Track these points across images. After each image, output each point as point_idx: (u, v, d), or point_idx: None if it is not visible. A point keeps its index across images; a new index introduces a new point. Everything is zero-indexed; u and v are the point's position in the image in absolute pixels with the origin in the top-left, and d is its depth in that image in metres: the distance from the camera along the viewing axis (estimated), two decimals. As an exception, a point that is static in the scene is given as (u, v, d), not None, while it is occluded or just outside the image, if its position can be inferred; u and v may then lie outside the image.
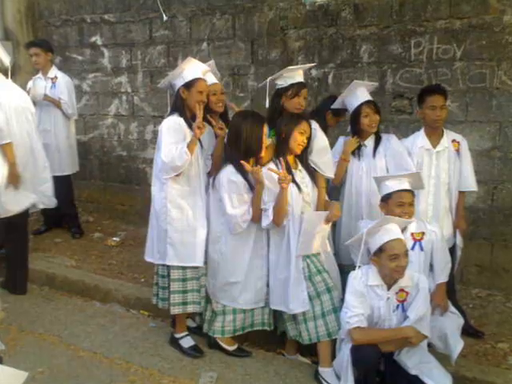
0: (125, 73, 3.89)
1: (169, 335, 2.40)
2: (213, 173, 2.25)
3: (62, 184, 3.28)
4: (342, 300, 2.05)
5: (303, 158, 2.20)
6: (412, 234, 2.12)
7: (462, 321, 2.15)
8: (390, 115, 3.01)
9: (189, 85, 2.15)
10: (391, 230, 1.95)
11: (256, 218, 2.13)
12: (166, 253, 2.19)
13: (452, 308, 2.17)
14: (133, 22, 3.78)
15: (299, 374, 2.16)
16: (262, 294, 2.23)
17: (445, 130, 2.38)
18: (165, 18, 3.52)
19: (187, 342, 2.31)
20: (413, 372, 1.93)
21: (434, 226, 2.17)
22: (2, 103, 2.65)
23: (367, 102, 2.34)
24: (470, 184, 2.39)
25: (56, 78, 3.43)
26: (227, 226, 2.17)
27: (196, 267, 2.21)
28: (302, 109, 2.21)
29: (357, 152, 2.40)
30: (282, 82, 2.23)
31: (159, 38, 3.70)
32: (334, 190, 2.46)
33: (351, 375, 1.93)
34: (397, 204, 2.08)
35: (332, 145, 2.39)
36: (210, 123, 2.24)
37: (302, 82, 2.23)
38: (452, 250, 2.33)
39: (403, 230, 2.05)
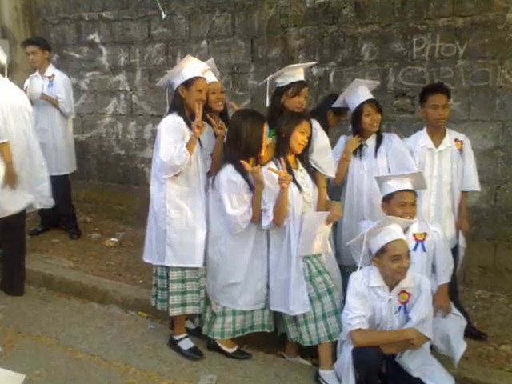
0: (123, 71, 3.86)
1: (168, 337, 2.38)
2: (212, 173, 2.23)
3: (59, 184, 3.26)
4: (343, 301, 2.03)
5: (304, 157, 2.18)
6: (414, 235, 2.10)
7: (464, 322, 2.14)
8: (392, 114, 2.99)
9: (188, 83, 2.13)
10: (393, 231, 1.94)
11: (256, 219, 2.12)
12: (165, 254, 2.17)
13: (455, 310, 2.15)
14: (131, 19, 3.76)
15: (300, 376, 2.14)
16: (262, 296, 2.21)
17: (447, 130, 2.37)
18: (163, 15, 3.49)
19: (186, 343, 2.30)
20: (415, 374, 1.91)
21: (436, 227, 2.15)
22: (-2, 102, 2.64)
23: (369, 101, 2.33)
24: (473, 184, 2.37)
25: (53, 76, 3.40)
26: (227, 227, 2.15)
27: (195, 268, 2.19)
28: (302, 108, 2.19)
29: (358, 151, 2.38)
30: (282, 81, 2.21)
31: (158, 36, 3.68)
32: (334, 189, 2.44)
33: (352, 377, 1.91)
34: (399, 204, 2.07)
35: (333, 144, 2.38)
36: (209, 122, 2.22)
37: (302, 81, 2.22)
38: (454, 251, 2.31)
39: (405, 230, 2.04)
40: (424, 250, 2.10)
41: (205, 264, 2.23)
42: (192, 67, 2.15)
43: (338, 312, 2.06)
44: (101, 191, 4.11)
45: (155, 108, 3.76)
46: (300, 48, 3.19)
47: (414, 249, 2.08)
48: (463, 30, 2.77)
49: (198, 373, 2.15)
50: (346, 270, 2.23)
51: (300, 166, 2.17)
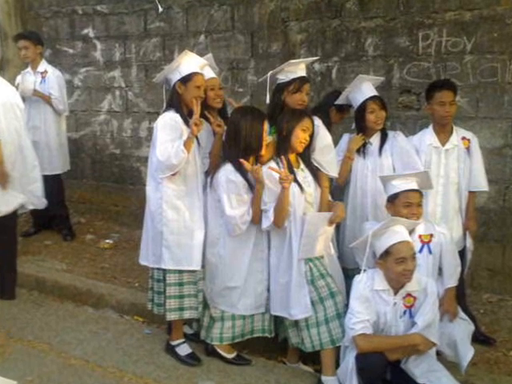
0: (118, 67, 3.82)
1: (164, 342, 2.35)
2: (211, 172, 2.19)
3: (52, 184, 3.23)
4: (347, 305, 2.00)
5: (305, 156, 2.15)
6: (420, 236, 2.07)
7: (472, 327, 2.11)
8: (397, 111, 2.96)
9: (185, 79, 2.10)
10: (398, 232, 1.91)
11: (256, 220, 2.09)
12: (162, 256, 2.13)
13: (462, 314, 2.12)
14: (126, 13, 3.72)
15: (301, 383, 2.11)
16: (262, 299, 2.18)
17: (454, 127, 2.34)
18: (160, 9, 3.47)
19: (184, 349, 2.26)
20: (420, 381, 1.88)
21: (442, 228, 2.12)
22: (-11, 99, 2.61)
23: (373, 98, 2.29)
24: (481, 184, 2.34)
25: (46, 72, 3.35)
26: (226, 228, 2.12)
27: (193, 271, 2.16)
28: (304, 105, 2.16)
29: (362, 150, 2.35)
30: (283, 77, 2.17)
31: (154, 31, 3.64)
32: (337, 189, 2.41)
33: (356, 384, 1.87)
34: (404, 205, 2.04)
35: (336, 142, 2.35)
36: (207, 120, 2.20)
37: (304, 77, 2.18)
38: (462, 253, 2.28)
39: (410, 231, 2.01)
40: (430, 251, 2.07)
41: (203, 267, 2.19)
42: (190, 63, 2.12)
43: (341, 316, 2.04)
44: (95, 191, 4.07)
45: (151, 105, 3.72)
46: (302, 43, 3.16)
47: (420, 251, 2.05)
48: (471, 24, 2.74)
49: (196, 379, 2.11)
50: (350, 273, 2.20)
51: (301, 165, 2.14)
